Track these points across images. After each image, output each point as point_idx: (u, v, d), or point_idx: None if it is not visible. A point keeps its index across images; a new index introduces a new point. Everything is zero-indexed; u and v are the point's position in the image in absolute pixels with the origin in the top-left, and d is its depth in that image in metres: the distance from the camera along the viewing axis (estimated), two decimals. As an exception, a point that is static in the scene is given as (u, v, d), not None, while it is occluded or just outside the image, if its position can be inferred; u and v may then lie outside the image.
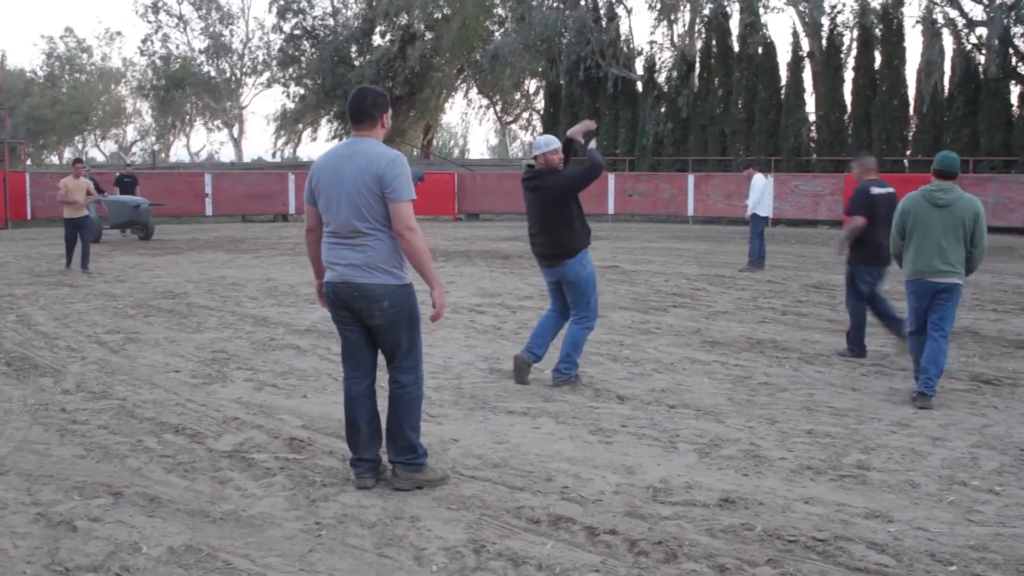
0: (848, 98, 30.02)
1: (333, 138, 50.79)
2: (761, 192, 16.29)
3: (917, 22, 28.88)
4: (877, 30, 29.33)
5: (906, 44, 29.51)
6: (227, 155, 67.05)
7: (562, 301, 7.93)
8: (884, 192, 8.93)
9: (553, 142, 7.68)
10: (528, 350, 7.87)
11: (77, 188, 15.86)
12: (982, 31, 27.88)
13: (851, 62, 29.96)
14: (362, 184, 4.97)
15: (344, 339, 5.31)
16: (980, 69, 27.81)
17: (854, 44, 29.96)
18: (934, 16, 28.31)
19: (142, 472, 5.53)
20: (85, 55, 70.50)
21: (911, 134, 29.41)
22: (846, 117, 30.03)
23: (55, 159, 76.07)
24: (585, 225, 7.72)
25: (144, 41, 57.04)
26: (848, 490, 5.22)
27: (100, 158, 72.29)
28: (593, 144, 7.98)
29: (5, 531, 4.59)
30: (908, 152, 29.34)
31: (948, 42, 28.57)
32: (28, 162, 58.68)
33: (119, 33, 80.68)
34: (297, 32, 48.23)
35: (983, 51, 27.63)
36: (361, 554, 4.35)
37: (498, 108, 56.25)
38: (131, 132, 74.89)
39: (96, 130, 73.09)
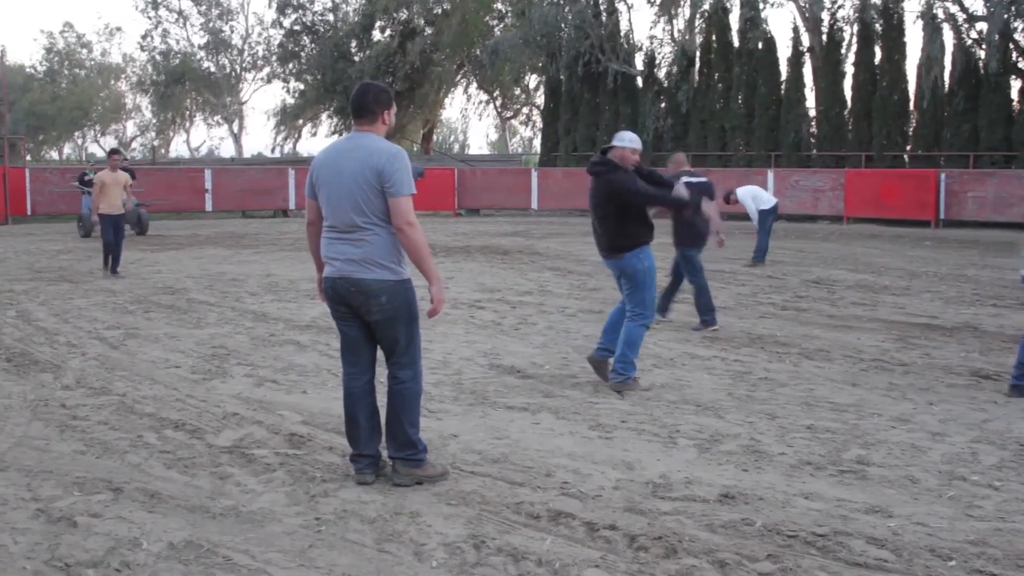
0: (848, 93, 29.95)
1: (333, 134, 50.78)
2: (752, 197, 16.49)
3: (917, 17, 28.78)
4: (877, 25, 29.25)
5: (906, 39, 29.41)
6: (227, 151, 66.97)
7: None
8: (696, 181, 9.95)
9: (637, 142, 7.56)
10: (600, 348, 7.74)
11: (114, 182, 14.51)
12: (982, 26, 27.81)
13: (851, 57, 29.87)
14: (362, 179, 4.97)
15: (343, 335, 5.31)
16: (980, 64, 27.73)
17: (854, 39, 29.88)
18: (934, 11, 28.22)
19: (142, 468, 5.53)
20: (85, 50, 70.54)
21: (911, 129, 29.34)
22: (846, 112, 29.97)
23: (55, 154, 76.12)
24: (647, 221, 7.61)
25: (144, 36, 56.93)
26: (848, 485, 5.22)
27: (100, 153, 72.24)
28: (684, 192, 7.93)
29: (5, 527, 4.59)
30: (908, 147, 29.29)
31: (948, 37, 28.50)
32: (28, 158, 58.64)
33: (119, 28, 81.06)
34: (297, 27, 48.17)
35: (983, 46, 27.56)
36: (361, 549, 4.36)
37: (498, 103, 56.16)
38: (131, 128, 74.91)
39: (96, 126, 73.10)
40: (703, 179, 10.51)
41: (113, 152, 15.40)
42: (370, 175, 4.96)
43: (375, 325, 5.18)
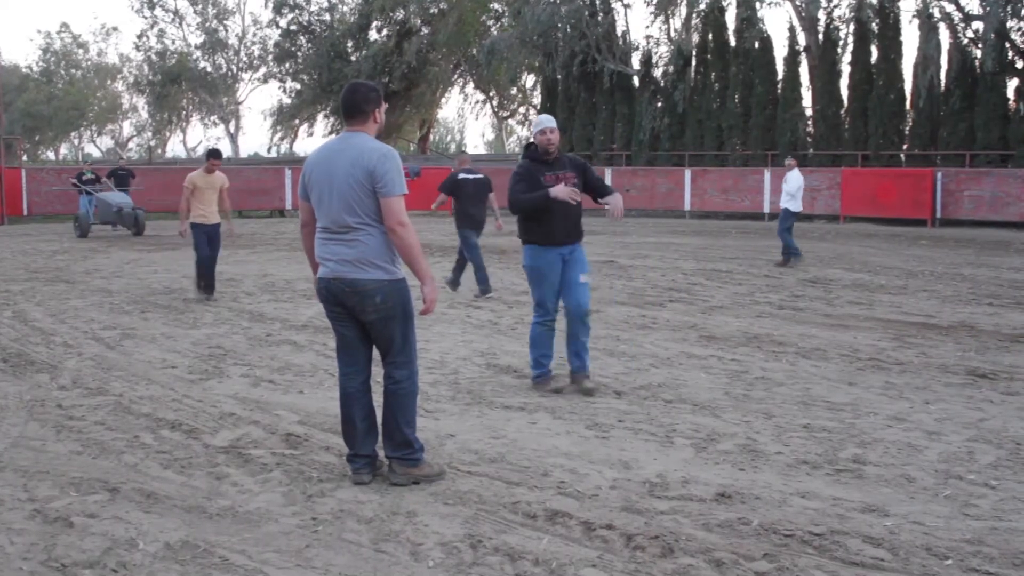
0: (844, 92, 30.01)
1: (329, 133, 50.78)
2: (798, 187, 16.24)
3: (913, 16, 28.83)
4: (873, 24, 29.31)
5: (902, 38, 29.51)
6: (224, 151, 66.94)
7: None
8: (471, 177, 12.75)
9: (541, 123, 7.42)
10: (568, 364, 7.58)
11: (209, 186, 12.29)
12: (979, 25, 27.85)
13: (847, 56, 29.95)
14: (353, 179, 4.96)
15: (338, 335, 5.31)
16: (977, 63, 27.79)
17: (850, 38, 29.94)
18: (930, 10, 28.26)
19: (138, 468, 5.53)
20: (81, 50, 70.54)
21: (907, 128, 29.40)
22: (843, 111, 30.02)
23: (51, 155, 76.01)
24: (539, 218, 7.21)
25: (140, 36, 57.06)
26: (844, 484, 5.23)
27: (96, 153, 72.20)
28: (563, 193, 7.16)
29: (1, 527, 4.58)
30: (904, 146, 29.34)
31: (944, 36, 28.55)
32: (24, 158, 58.59)
33: (115, 28, 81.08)
34: (293, 27, 48.22)
35: (979, 45, 27.61)
36: (358, 549, 4.36)
37: (495, 103, 56.23)
38: (127, 128, 74.91)
39: (92, 126, 73.06)
40: (480, 175, 12.95)
41: (213, 154, 12.92)
42: (361, 175, 4.95)
43: (370, 325, 5.17)
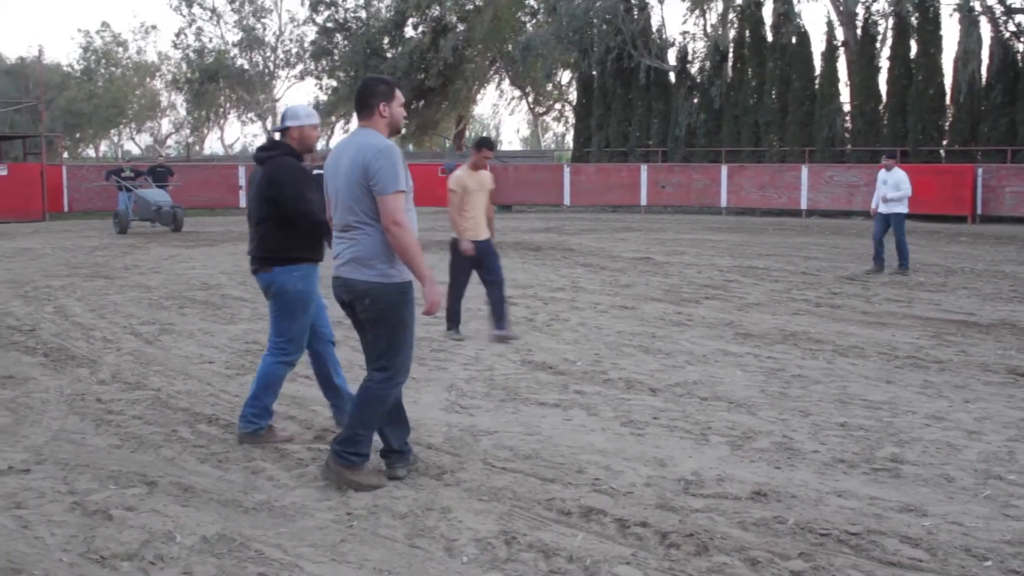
0: (883, 88, 29.74)
1: (364, 130, 50.94)
2: (904, 193, 14.51)
3: (954, 10, 28.50)
4: (913, 18, 29.01)
5: (942, 32, 29.24)
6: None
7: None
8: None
9: (315, 116, 6.07)
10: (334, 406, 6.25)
11: (479, 187, 9.19)
12: (1021, 18, 27.50)
13: (886, 51, 29.69)
14: (352, 177, 4.88)
15: (358, 333, 5.29)
16: (1019, 57, 27.43)
17: (889, 33, 29.67)
18: (971, 4, 27.91)
19: (176, 462, 5.58)
20: (121, 49, 71.27)
21: (947, 124, 29.08)
22: (881, 107, 29.75)
23: (91, 152, 76.89)
24: (314, 232, 5.86)
25: (178, 34, 57.71)
26: (882, 483, 5.18)
27: (135, 151, 72.96)
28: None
29: (42, 519, 4.64)
30: (944, 142, 29.02)
31: (986, 30, 28.19)
32: (65, 155, 59.29)
33: (154, 27, 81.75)
34: (329, 24, 48.46)
35: (1022, 39, 27.25)
36: (392, 544, 4.37)
37: (530, 99, 56.21)
38: (166, 125, 75.63)
39: (131, 123, 73.84)
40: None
41: (483, 143, 9.34)
42: (358, 173, 4.84)
43: (363, 324, 5.11)
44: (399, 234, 4.79)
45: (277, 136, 6.09)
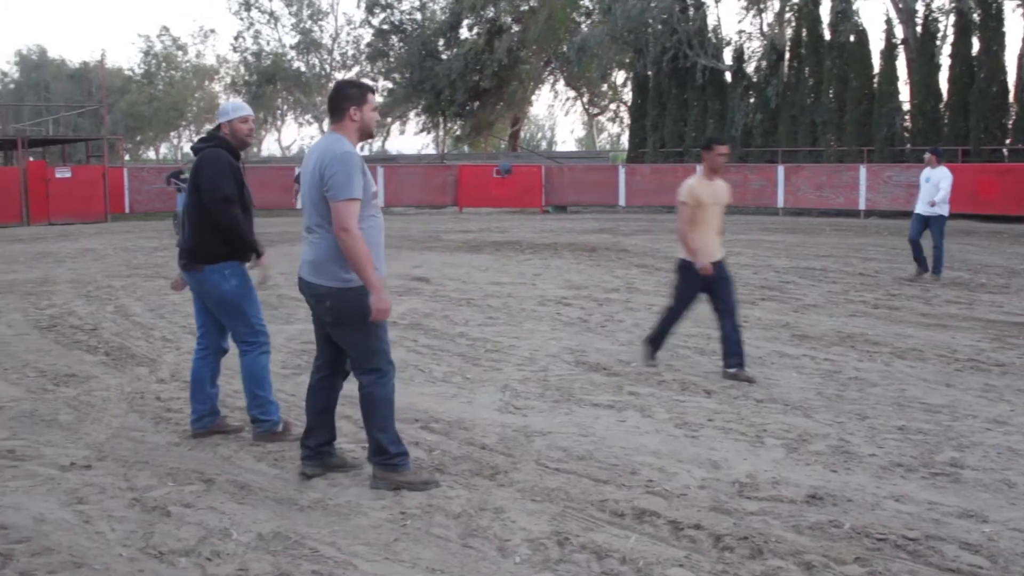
0: (944, 86, 29.22)
1: (421, 131, 51.33)
2: (946, 192, 13.80)
3: (1018, 6, 27.94)
4: (975, 15, 28.48)
5: (1005, 29, 28.56)
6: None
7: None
8: None
9: (245, 108, 6.08)
10: (196, 419, 6.21)
11: (713, 199, 8.04)
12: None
13: (947, 49, 29.15)
14: (313, 180, 4.91)
15: (315, 328, 5.34)
16: (1084, 54, 26.84)
17: (950, 30, 29.15)
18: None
19: (233, 460, 5.66)
20: (180, 53, 72.37)
21: (1011, 122, 28.50)
22: (942, 106, 29.24)
23: (152, 154, 78.14)
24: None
25: (236, 38, 58.33)
26: (941, 488, 5.10)
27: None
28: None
29: (103, 514, 4.73)
30: (1008, 141, 28.44)
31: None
32: (126, 157, 60.31)
33: (213, 31, 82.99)
34: (385, 27, 48.73)
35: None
36: (445, 544, 4.39)
37: (585, 100, 56.11)
38: (224, 127, 76.47)
39: (191, 126, 74.88)
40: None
41: (716, 140, 8.26)
42: (318, 178, 4.87)
43: (329, 328, 5.14)
44: (347, 239, 4.79)
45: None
